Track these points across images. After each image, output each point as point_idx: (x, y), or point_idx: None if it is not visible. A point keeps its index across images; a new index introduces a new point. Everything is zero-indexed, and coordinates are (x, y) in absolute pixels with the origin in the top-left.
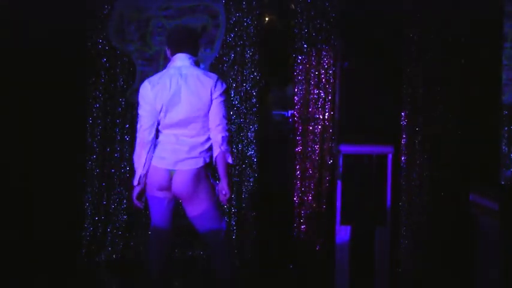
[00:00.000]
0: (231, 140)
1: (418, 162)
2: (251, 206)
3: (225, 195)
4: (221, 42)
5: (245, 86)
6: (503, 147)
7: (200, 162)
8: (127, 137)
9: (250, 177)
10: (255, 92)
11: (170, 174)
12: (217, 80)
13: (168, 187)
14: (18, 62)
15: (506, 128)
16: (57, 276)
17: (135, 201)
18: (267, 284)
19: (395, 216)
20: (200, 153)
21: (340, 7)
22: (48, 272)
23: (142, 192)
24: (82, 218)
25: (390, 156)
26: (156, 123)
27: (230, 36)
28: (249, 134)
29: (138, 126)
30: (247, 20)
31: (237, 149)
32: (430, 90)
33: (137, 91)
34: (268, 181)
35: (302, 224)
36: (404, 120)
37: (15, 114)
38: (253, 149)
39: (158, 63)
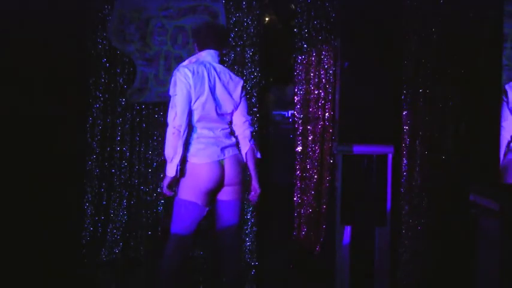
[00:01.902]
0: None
1: (418, 162)
2: (251, 206)
3: (257, 190)
4: None
5: (245, 86)
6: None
7: (237, 150)
8: (127, 137)
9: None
10: (255, 92)
11: (221, 164)
12: (243, 81)
13: (221, 181)
14: (18, 62)
15: None
16: (57, 276)
17: (167, 191)
18: (267, 284)
19: (395, 216)
20: (235, 142)
21: (340, 7)
22: (48, 272)
23: (175, 181)
24: (82, 218)
25: (390, 156)
26: (189, 112)
27: (230, 36)
28: None
29: (173, 114)
30: (247, 20)
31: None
32: (430, 90)
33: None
34: (268, 181)
35: (302, 224)
36: (404, 120)
37: (15, 114)
38: None
39: (158, 64)
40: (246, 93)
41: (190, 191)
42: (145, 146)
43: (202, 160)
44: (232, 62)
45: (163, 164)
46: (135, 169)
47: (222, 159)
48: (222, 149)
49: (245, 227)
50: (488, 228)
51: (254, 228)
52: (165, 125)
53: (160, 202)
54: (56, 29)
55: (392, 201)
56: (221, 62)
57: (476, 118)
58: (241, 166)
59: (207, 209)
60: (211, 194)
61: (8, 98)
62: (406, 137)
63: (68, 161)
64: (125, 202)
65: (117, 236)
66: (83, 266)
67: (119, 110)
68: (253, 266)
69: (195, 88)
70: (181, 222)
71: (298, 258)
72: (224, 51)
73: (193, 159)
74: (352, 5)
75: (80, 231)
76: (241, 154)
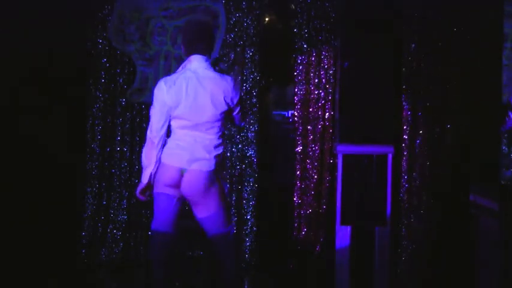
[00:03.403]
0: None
1: (418, 162)
2: (251, 206)
3: None
4: (221, 43)
5: (245, 86)
6: (503, 147)
7: (212, 165)
8: (127, 137)
9: (250, 177)
10: (255, 92)
11: (181, 173)
12: (233, 86)
13: (177, 185)
14: (18, 62)
15: None
16: (57, 276)
17: (139, 196)
18: (267, 284)
19: (395, 216)
20: (215, 156)
21: (340, 7)
22: (48, 272)
23: (148, 188)
24: (82, 218)
25: (390, 156)
26: (166, 124)
27: (230, 36)
28: (249, 134)
29: (149, 126)
30: (247, 20)
31: (237, 149)
32: (430, 90)
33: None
34: (268, 181)
35: (302, 224)
36: (405, 120)
37: (15, 114)
38: (253, 149)
39: (158, 64)
40: (239, 103)
41: (157, 184)
42: None
43: (166, 160)
44: (232, 62)
45: None
46: (135, 169)
47: (183, 169)
48: (189, 160)
49: (245, 227)
50: (488, 228)
51: (254, 228)
52: None
53: None
54: (56, 29)
55: (392, 201)
56: (216, 62)
57: (476, 118)
58: (207, 182)
59: (178, 201)
60: (177, 189)
61: (8, 98)
62: (406, 137)
63: (68, 161)
64: (125, 202)
65: (117, 236)
66: (83, 266)
67: (118, 110)
68: (253, 266)
69: (171, 100)
70: (157, 216)
71: (298, 258)
72: (222, 52)
73: (163, 157)
74: (352, 5)
75: (80, 231)
76: (212, 171)
